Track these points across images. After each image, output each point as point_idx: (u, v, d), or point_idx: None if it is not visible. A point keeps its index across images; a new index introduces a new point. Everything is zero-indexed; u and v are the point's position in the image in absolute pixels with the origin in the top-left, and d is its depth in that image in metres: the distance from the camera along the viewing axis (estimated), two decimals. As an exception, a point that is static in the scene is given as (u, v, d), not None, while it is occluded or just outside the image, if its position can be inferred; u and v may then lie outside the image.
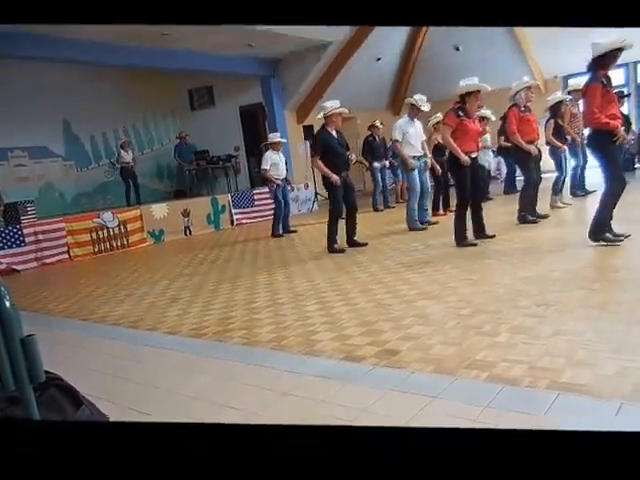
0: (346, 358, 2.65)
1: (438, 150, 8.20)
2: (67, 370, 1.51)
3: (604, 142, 4.42)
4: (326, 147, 6.03)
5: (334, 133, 6.12)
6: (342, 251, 6.03)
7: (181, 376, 2.77)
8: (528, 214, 6.26)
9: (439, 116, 8.11)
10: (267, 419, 2.10)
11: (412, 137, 6.98)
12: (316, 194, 12.66)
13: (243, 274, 5.44)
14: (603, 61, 4.45)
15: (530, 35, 13.30)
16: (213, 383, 2.60)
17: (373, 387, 2.26)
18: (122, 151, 11.63)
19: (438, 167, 8.07)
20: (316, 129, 12.40)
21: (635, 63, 13.92)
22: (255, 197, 11.68)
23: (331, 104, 6.13)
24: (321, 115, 6.15)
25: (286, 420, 2.06)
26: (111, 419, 1.38)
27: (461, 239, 5.41)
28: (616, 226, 4.56)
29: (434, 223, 7.19)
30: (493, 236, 5.54)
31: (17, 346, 0.97)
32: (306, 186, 10.22)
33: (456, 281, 3.95)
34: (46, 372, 1.08)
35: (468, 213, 5.51)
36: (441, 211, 8.45)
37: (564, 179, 7.58)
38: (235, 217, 11.25)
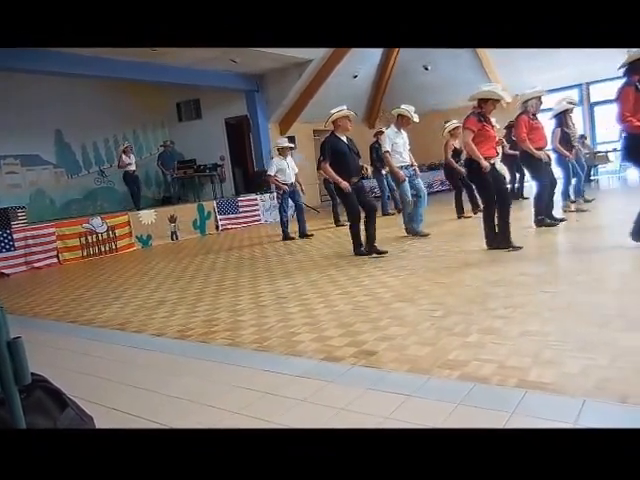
0: (326, 358, 2.62)
1: (455, 155, 8.06)
2: (53, 372, 1.46)
3: (637, 145, 4.21)
4: (335, 152, 5.62)
5: (344, 138, 5.74)
6: (368, 253, 5.57)
7: (166, 377, 2.70)
8: (545, 217, 6.07)
9: (455, 122, 7.94)
10: (249, 418, 2.06)
11: (400, 147, 6.68)
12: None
13: (228, 277, 5.38)
14: (636, 66, 4.23)
15: (493, 57, 13.62)
16: (197, 383, 2.55)
17: (352, 386, 2.24)
18: (124, 156, 11.15)
19: (460, 169, 7.74)
20: (298, 140, 12.52)
21: (587, 84, 14.29)
22: (239, 204, 11.63)
23: (336, 109, 5.79)
24: (327, 122, 5.81)
25: (267, 419, 2.03)
26: (96, 420, 1.34)
27: (508, 242, 4.93)
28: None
29: (425, 235, 6.54)
30: (520, 247, 4.90)
31: (3, 348, 0.93)
32: (302, 191, 10.11)
33: (429, 284, 3.96)
34: (32, 374, 1.04)
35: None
36: (470, 213, 8.09)
37: (576, 183, 7.41)
38: (220, 223, 11.18)
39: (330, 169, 5.63)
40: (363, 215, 5.76)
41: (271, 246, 7.75)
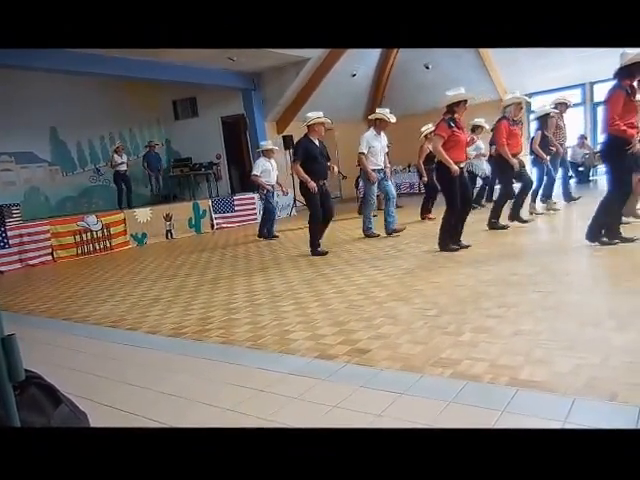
0: (319, 356, 2.64)
1: (429, 159, 8.28)
2: (48, 369, 1.48)
3: (617, 150, 4.32)
4: (306, 154, 5.96)
5: (316, 142, 6.06)
6: (325, 253, 5.97)
7: (159, 374, 2.72)
8: (498, 221, 6.35)
9: (430, 126, 8.12)
10: (242, 415, 2.08)
11: (377, 151, 6.94)
12: (294, 200, 12.66)
13: (223, 276, 5.39)
14: (630, 71, 4.27)
15: (494, 56, 13.63)
16: (190, 381, 2.56)
17: (345, 384, 2.25)
18: (116, 155, 11.27)
19: (425, 176, 8.27)
20: (295, 139, 12.49)
21: (591, 83, 14.31)
22: (235, 203, 11.63)
23: (313, 114, 6.07)
24: (304, 124, 6.07)
25: (260, 416, 2.04)
26: (90, 417, 1.35)
27: (445, 245, 5.31)
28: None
29: (400, 230, 7.00)
30: (468, 246, 5.33)
31: (-2, 345, 0.94)
32: (285, 193, 10.14)
33: (423, 284, 3.98)
34: (26, 371, 1.05)
35: None
36: (432, 215, 8.37)
37: (546, 186, 7.51)
38: (215, 221, 11.18)
39: (301, 169, 5.98)
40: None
41: (266, 244, 7.76)
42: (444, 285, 3.88)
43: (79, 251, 8.69)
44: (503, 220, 6.49)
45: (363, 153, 6.91)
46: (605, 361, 2.17)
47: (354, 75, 14.01)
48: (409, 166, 14.69)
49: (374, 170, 6.90)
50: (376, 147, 6.93)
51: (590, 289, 3.39)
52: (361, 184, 14.63)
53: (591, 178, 12.83)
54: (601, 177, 13.38)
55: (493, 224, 6.39)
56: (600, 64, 12.66)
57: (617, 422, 1.71)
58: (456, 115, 5.29)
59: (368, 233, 7.07)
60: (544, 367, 2.19)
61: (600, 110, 14.30)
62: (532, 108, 12.85)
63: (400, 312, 3.26)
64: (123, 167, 11.32)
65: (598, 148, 4.67)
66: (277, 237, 8.43)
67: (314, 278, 4.69)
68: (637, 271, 3.77)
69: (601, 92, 14.14)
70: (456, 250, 5.26)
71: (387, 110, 7.01)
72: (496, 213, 6.44)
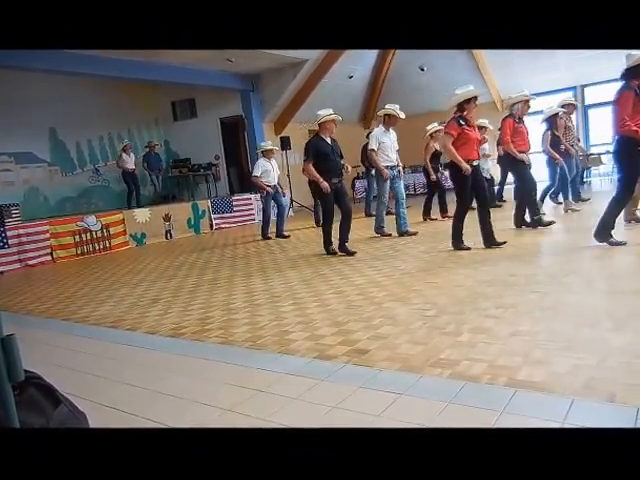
0: (319, 357, 2.63)
1: (435, 157, 8.25)
2: (47, 369, 1.47)
3: (628, 150, 4.31)
4: (318, 153, 5.80)
5: (328, 140, 5.90)
6: (335, 253, 5.90)
7: (158, 374, 2.71)
8: (542, 217, 6.23)
9: (436, 125, 8.11)
10: (241, 416, 2.07)
11: (387, 147, 6.86)
12: (292, 201, 12.65)
13: (222, 276, 5.38)
14: (636, 71, 4.27)
15: (487, 58, 13.68)
16: (189, 381, 2.55)
17: (344, 384, 2.25)
18: (124, 154, 11.32)
19: (433, 174, 8.23)
20: (293, 140, 12.49)
21: (582, 86, 14.37)
22: (234, 203, 11.63)
23: (324, 112, 5.94)
24: (315, 122, 5.97)
25: (259, 416, 2.03)
26: (89, 417, 1.35)
27: (458, 243, 5.32)
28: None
29: (412, 234, 6.78)
30: (504, 242, 5.22)
31: (-3, 345, 0.93)
32: (283, 193, 10.14)
33: (421, 284, 3.98)
34: (26, 371, 1.04)
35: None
36: (437, 216, 8.29)
37: (556, 188, 7.50)
38: (214, 222, 11.18)
39: (312, 169, 5.81)
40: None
41: (265, 245, 7.75)
42: (443, 285, 3.88)
43: (78, 251, 8.67)
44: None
45: (374, 150, 6.85)
46: (603, 362, 2.17)
47: (351, 77, 14.03)
48: (404, 168, 14.71)
49: (386, 167, 6.83)
50: (386, 143, 6.86)
51: (588, 290, 3.39)
52: (358, 184, 14.72)
53: (585, 180, 12.86)
54: (595, 179, 13.43)
55: (535, 221, 6.22)
56: (592, 67, 12.75)
57: (615, 423, 1.71)
58: (466, 113, 5.25)
59: (380, 232, 7.01)
60: (542, 368, 2.18)
61: (591, 113, 14.43)
62: (528, 110, 12.88)
63: (399, 312, 3.26)
64: (132, 166, 11.36)
65: (612, 149, 4.57)
66: (270, 238, 8.39)
67: (313, 278, 4.68)
68: (636, 272, 3.77)
69: (592, 95, 14.23)
70: (469, 249, 5.22)
71: (397, 106, 6.95)
72: (534, 209, 6.24)
